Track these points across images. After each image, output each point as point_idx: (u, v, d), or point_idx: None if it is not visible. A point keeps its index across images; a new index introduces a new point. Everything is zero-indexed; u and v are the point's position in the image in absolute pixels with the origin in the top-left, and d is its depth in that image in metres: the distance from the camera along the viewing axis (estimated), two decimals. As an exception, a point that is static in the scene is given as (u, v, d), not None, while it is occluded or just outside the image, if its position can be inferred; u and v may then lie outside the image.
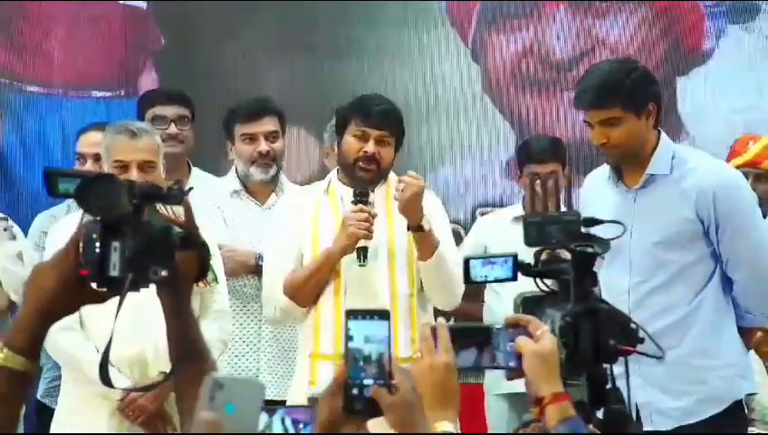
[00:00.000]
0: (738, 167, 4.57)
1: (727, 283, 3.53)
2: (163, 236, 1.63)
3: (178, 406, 1.78)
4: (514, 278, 2.14)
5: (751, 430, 3.96)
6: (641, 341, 1.96)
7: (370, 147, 3.66)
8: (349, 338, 1.74)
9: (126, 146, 3.45)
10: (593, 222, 2.08)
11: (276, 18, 5.95)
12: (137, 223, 1.62)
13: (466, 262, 2.17)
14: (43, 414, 4.15)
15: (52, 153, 5.77)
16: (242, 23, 5.94)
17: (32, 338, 1.66)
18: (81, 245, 1.63)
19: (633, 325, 1.98)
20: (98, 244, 1.60)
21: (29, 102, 5.82)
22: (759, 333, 3.94)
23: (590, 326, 1.90)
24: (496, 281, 2.17)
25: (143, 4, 6.00)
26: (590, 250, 1.97)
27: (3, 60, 5.85)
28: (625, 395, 2.12)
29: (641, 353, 1.98)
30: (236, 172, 4.35)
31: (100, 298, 1.66)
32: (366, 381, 1.74)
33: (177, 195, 1.72)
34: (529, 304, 2.05)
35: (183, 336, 1.76)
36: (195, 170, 4.52)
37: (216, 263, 3.70)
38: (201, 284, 3.56)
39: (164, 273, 1.62)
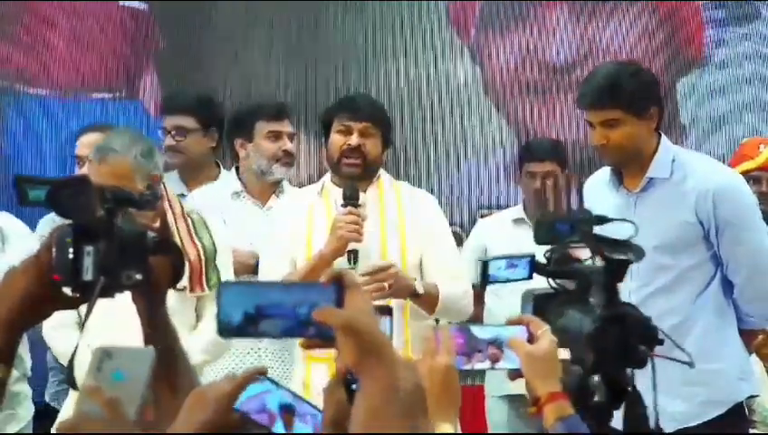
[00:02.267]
0: (751, 170, 4.57)
1: (728, 286, 3.52)
2: (136, 241, 1.62)
3: (155, 408, 1.79)
4: (530, 277, 2.13)
5: (751, 431, 3.96)
6: (660, 342, 1.95)
7: (354, 139, 3.64)
8: None
9: (92, 169, 3.42)
10: (602, 220, 2.06)
11: (276, 20, 5.96)
12: (110, 227, 1.61)
13: (485, 264, 2.15)
14: (51, 416, 4.15)
15: (53, 154, 5.77)
16: (242, 24, 5.94)
17: (4, 343, 1.64)
18: (53, 249, 1.61)
19: (654, 329, 1.96)
20: (70, 248, 1.59)
21: (30, 104, 5.83)
22: (760, 336, 3.94)
23: (619, 332, 1.88)
24: (514, 281, 2.15)
25: (143, 6, 6.01)
26: (624, 257, 1.95)
27: (4, 61, 5.86)
28: (649, 399, 2.11)
29: (671, 359, 1.97)
30: (237, 173, 4.36)
31: (72, 303, 1.65)
32: None
33: (151, 200, 1.71)
34: (540, 302, 2.03)
35: (158, 341, 1.73)
36: (224, 173, 4.53)
37: (227, 266, 3.69)
38: (198, 289, 3.57)
39: (138, 277, 1.61)
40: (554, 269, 2.01)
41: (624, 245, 1.97)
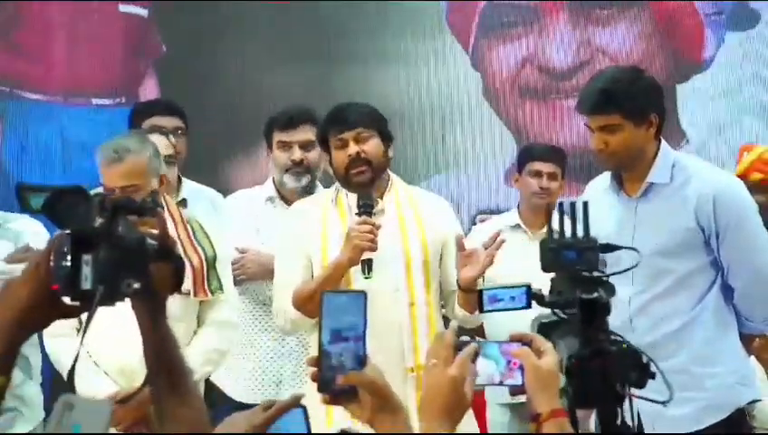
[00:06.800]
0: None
1: (728, 291, 3.52)
2: (136, 248, 1.61)
3: (156, 417, 1.79)
4: (528, 307, 2.12)
5: (752, 436, 3.95)
6: (653, 376, 1.93)
7: (352, 148, 3.61)
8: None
9: (109, 171, 3.42)
10: (609, 248, 2.03)
11: (277, 26, 5.96)
12: (109, 235, 1.59)
13: (480, 293, 2.14)
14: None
15: (52, 161, 5.77)
16: (243, 30, 5.95)
17: (3, 353, 1.64)
18: (51, 258, 1.60)
19: (645, 360, 1.94)
20: (68, 257, 1.57)
21: (29, 110, 5.83)
22: (758, 340, 3.93)
23: (598, 369, 1.87)
24: (512, 310, 2.14)
25: (144, 12, 6.01)
26: (594, 296, 1.93)
27: (3, 67, 5.86)
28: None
29: (646, 399, 1.96)
30: (273, 180, 4.37)
31: (72, 312, 1.64)
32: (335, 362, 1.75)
33: (151, 207, 1.71)
34: (544, 330, 2.00)
35: (159, 348, 1.75)
36: (186, 182, 4.49)
37: (225, 273, 3.69)
38: (202, 293, 3.58)
39: (137, 285, 1.60)
40: (555, 300, 1.97)
41: (597, 282, 1.95)
